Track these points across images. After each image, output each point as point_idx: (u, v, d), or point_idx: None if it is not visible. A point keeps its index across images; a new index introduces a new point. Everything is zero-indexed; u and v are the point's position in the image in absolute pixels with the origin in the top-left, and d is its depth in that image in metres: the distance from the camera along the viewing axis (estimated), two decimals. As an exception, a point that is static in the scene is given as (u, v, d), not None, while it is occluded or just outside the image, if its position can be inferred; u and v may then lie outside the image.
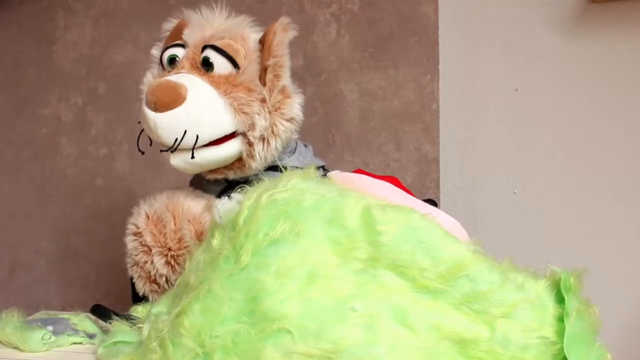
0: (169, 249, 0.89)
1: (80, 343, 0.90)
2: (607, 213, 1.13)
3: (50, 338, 0.87)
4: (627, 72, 1.12)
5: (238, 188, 0.76)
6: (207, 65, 0.88)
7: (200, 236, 0.88)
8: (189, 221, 0.89)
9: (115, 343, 0.78)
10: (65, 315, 0.97)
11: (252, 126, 0.87)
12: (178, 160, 0.89)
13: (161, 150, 0.90)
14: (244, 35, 0.91)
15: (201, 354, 0.65)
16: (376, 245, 0.66)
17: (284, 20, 0.90)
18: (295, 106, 0.91)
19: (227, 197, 0.86)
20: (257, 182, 0.74)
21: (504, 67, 1.19)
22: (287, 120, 0.90)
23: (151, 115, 0.85)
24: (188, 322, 0.67)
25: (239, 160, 0.91)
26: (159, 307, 0.78)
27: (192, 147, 0.87)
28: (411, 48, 1.23)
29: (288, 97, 0.91)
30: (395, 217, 0.67)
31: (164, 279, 0.89)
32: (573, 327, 0.63)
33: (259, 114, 0.87)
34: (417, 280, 0.65)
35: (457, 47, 1.21)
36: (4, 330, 0.87)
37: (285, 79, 0.90)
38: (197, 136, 0.86)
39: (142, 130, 0.91)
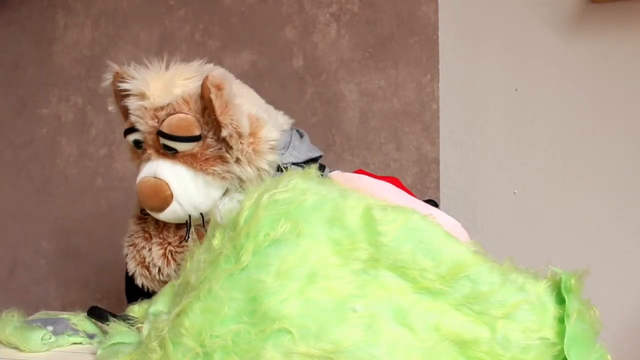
0: (169, 243, 0.90)
1: (80, 343, 0.90)
2: (607, 213, 1.13)
3: (50, 338, 0.87)
4: (627, 72, 1.12)
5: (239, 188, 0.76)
6: (170, 149, 0.87)
7: (201, 238, 0.88)
8: None
9: (114, 344, 0.78)
10: (65, 315, 0.97)
11: (239, 180, 0.88)
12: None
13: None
14: (186, 97, 0.86)
15: (201, 354, 0.65)
16: (377, 246, 0.66)
17: (212, 80, 0.82)
18: (268, 135, 0.88)
19: (228, 197, 0.86)
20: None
21: (504, 67, 1.19)
22: (268, 150, 0.88)
23: (153, 213, 0.89)
24: (188, 321, 0.67)
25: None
26: (157, 306, 0.78)
27: (202, 223, 0.89)
28: (411, 48, 1.23)
29: (258, 132, 0.87)
30: (396, 218, 0.66)
31: (157, 269, 0.90)
32: (573, 328, 0.63)
33: (240, 170, 0.87)
34: (418, 280, 0.65)
35: (457, 47, 1.21)
36: (4, 330, 0.87)
37: (246, 120, 0.85)
38: (201, 214, 0.89)
39: None
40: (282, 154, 0.92)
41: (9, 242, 1.51)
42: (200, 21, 1.36)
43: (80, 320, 0.94)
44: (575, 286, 0.66)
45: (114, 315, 0.88)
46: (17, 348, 0.86)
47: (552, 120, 1.16)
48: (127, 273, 0.94)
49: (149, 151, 0.89)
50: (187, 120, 0.85)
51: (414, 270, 0.65)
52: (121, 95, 0.90)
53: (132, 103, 0.88)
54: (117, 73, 0.91)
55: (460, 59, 1.21)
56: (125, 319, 0.84)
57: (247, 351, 0.63)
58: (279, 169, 0.90)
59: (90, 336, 0.91)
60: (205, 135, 0.86)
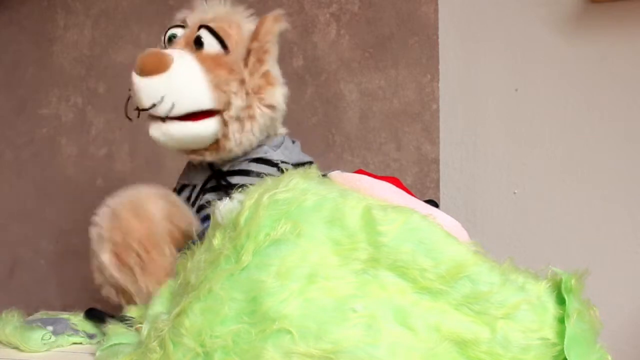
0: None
1: (80, 343, 0.90)
2: (607, 213, 1.14)
3: (50, 338, 0.87)
4: (627, 72, 1.12)
5: (239, 187, 0.76)
6: (198, 43, 0.92)
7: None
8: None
9: (112, 346, 0.78)
10: (65, 315, 0.97)
11: (228, 104, 0.91)
12: (157, 132, 0.92)
13: (137, 110, 0.93)
14: (240, 23, 0.95)
15: (201, 354, 0.65)
16: (377, 246, 0.66)
17: (277, 11, 0.94)
18: (276, 94, 0.94)
19: (228, 198, 0.86)
20: (250, 175, 0.75)
21: (504, 67, 1.19)
22: (265, 106, 0.93)
23: (136, 79, 0.89)
24: (188, 321, 0.66)
25: (215, 142, 0.94)
26: (156, 307, 0.78)
27: (167, 114, 0.90)
28: (411, 48, 1.23)
29: (271, 84, 0.94)
30: (396, 218, 0.66)
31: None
32: (574, 329, 0.63)
33: (235, 93, 0.91)
34: (418, 280, 0.65)
35: (457, 47, 1.21)
36: (4, 330, 0.87)
37: (270, 66, 0.94)
38: (173, 104, 0.89)
39: (129, 97, 0.95)
40: (275, 151, 0.97)
41: (9, 242, 1.51)
42: (200, 21, 1.36)
43: (80, 320, 0.94)
44: (575, 286, 0.66)
45: (112, 316, 0.88)
46: (17, 348, 0.86)
47: (552, 120, 1.16)
48: None
49: (179, 41, 0.94)
50: (230, 32, 0.93)
51: (414, 270, 0.65)
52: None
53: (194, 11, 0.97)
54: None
55: (460, 59, 1.21)
56: (122, 319, 0.84)
57: (247, 351, 0.63)
58: (280, 169, 0.91)
59: (91, 336, 0.91)
60: (232, 53, 0.92)
